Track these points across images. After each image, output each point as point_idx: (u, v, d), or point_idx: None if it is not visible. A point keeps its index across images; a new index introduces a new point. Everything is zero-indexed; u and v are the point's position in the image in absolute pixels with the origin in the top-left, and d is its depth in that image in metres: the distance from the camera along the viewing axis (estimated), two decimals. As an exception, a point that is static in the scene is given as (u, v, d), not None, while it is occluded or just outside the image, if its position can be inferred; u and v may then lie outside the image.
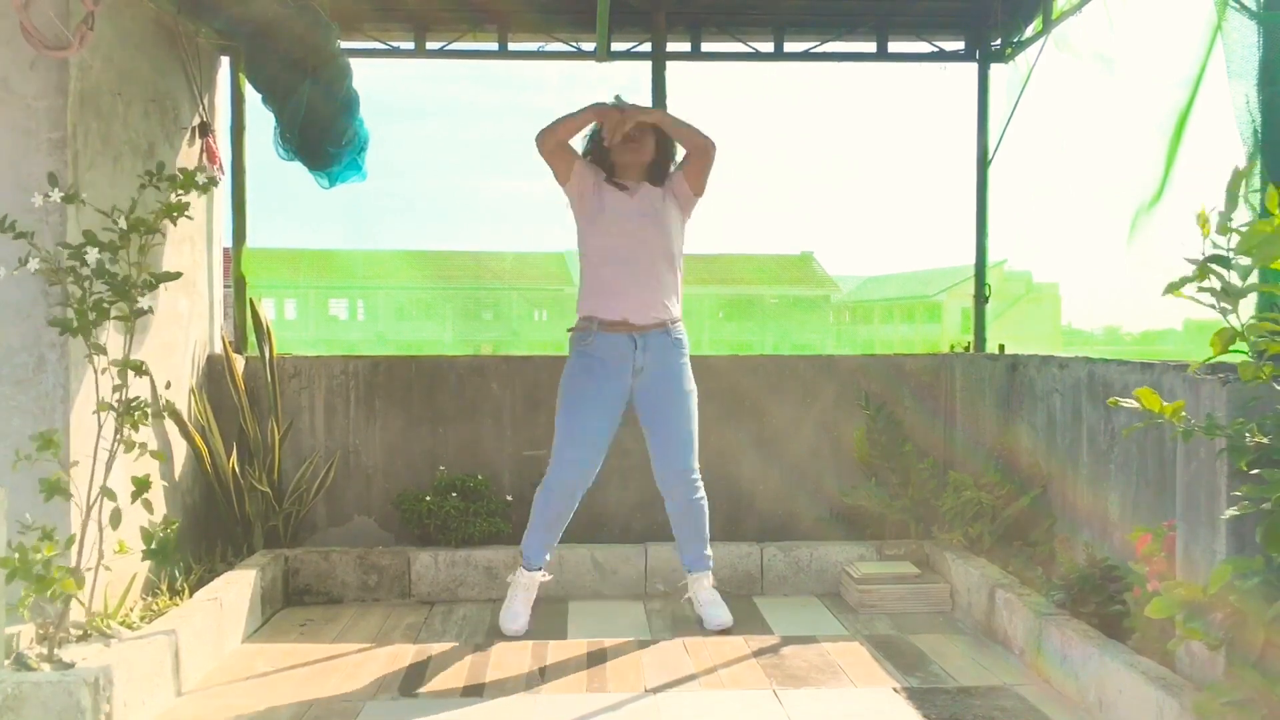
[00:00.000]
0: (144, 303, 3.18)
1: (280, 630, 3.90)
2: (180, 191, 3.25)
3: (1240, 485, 2.34)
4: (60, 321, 3.04)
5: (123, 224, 3.14)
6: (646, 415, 3.89)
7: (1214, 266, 2.28)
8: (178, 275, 3.34)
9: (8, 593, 2.69)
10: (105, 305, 3.08)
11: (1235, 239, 2.25)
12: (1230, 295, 2.28)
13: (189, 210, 3.29)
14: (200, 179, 3.30)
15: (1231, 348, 2.32)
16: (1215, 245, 2.29)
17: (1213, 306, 2.29)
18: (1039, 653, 3.21)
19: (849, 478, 4.67)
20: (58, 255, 3.10)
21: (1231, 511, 2.31)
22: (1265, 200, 2.27)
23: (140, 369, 3.18)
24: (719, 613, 3.89)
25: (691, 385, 3.91)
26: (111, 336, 3.28)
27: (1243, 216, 2.29)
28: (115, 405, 3.12)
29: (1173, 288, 2.32)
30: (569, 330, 3.91)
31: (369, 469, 4.61)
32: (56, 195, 3.03)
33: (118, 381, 3.13)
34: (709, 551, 3.98)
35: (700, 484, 3.93)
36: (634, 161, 3.86)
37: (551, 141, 3.82)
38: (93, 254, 3.05)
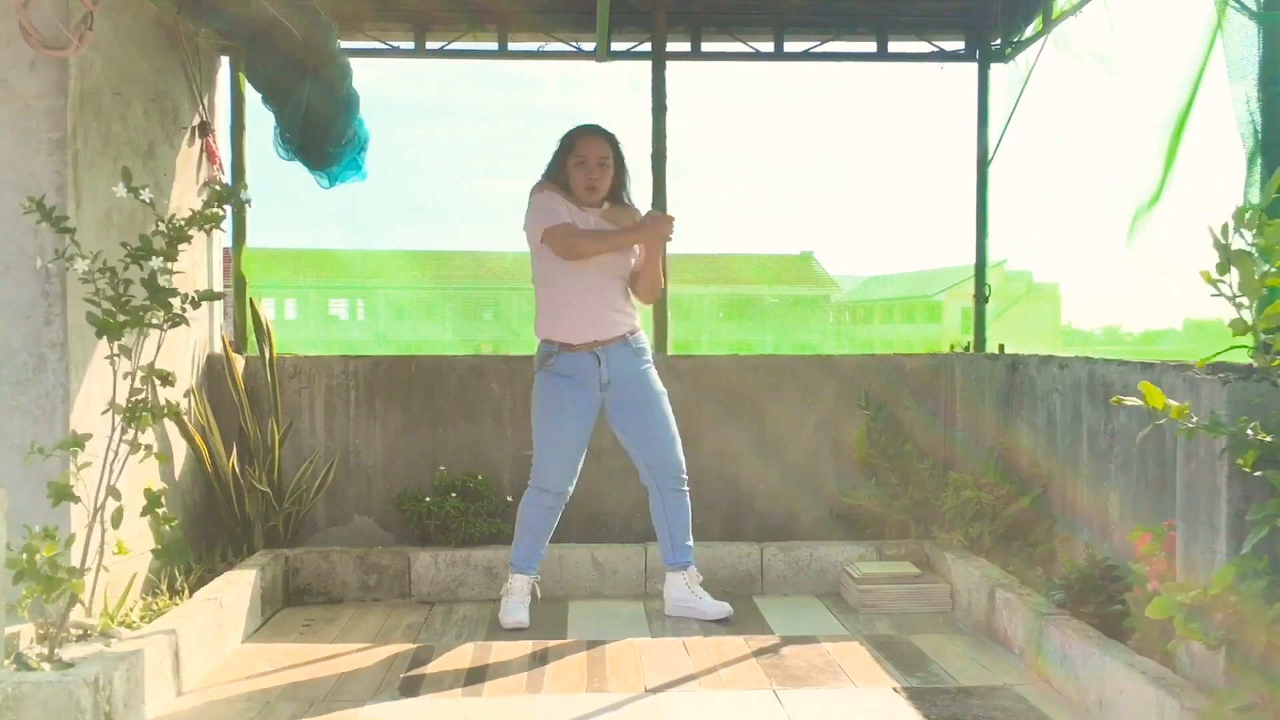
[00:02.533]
0: (191, 314, 3.17)
1: (280, 630, 3.90)
2: (215, 203, 3.24)
3: (1240, 485, 2.35)
4: (97, 321, 3.02)
5: (162, 228, 3.11)
6: (622, 421, 3.98)
7: (1235, 262, 2.29)
8: (221, 295, 3.34)
9: (9, 592, 2.69)
10: (140, 312, 3.06)
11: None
12: (1250, 287, 2.29)
13: (220, 221, 3.28)
14: (245, 196, 3.28)
15: (1234, 346, 2.33)
16: (1246, 242, 2.30)
17: (1230, 299, 2.30)
18: (1039, 653, 3.21)
19: (849, 478, 4.67)
20: (101, 255, 3.08)
21: (1250, 517, 2.30)
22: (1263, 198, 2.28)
23: (167, 378, 3.17)
24: (715, 602, 3.97)
25: (660, 387, 4.01)
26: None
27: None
28: (125, 406, 3.11)
29: (1206, 275, 2.33)
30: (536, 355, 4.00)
31: (369, 469, 4.61)
32: (121, 190, 3.03)
33: (137, 385, 3.11)
34: (690, 542, 4.04)
35: (681, 483, 4.00)
36: (598, 200, 3.95)
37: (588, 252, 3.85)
38: (156, 263, 3.04)
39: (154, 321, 3.11)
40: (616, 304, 3.93)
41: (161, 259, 3.06)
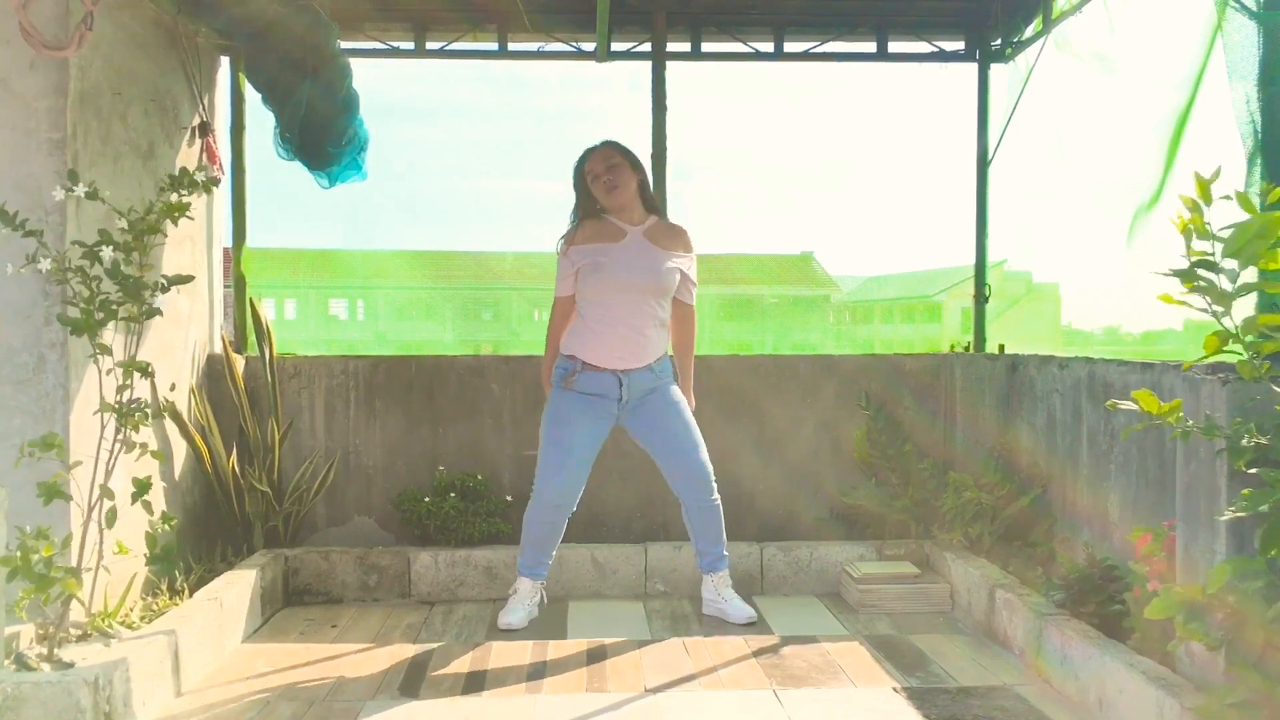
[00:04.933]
0: (157, 303, 3.17)
1: (280, 630, 3.90)
2: (182, 191, 3.25)
3: (1240, 485, 2.35)
4: (68, 320, 3.03)
5: (123, 224, 3.13)
6: (645, 434, 3.96)
7: (1202, 271, 2.29)
8: (191, 278, 3.33)
9: (8, 593, 2.69)
10: (113, 306, 3.07)
11: (1219, 244, 2.27)
12: (1221, 298, 2.29)
13: (189, 210, 3.28)
14: (200, 176, 3.29)
15: (1227, 348, 2.32)
16: (1195, 252, 2.30)
17: (1204, 310, 2.30)
18: (1039, 653, 3.21)
19: (849, 478, 4.67)
20: (68, 254, 3.09)
21: (1230, 514, 2.31)
22: (1264, 200, 2.28)
23: (146, 370, 3.18)
24: (743, 607, 3.96)
25: (679, 397, 3.99)
26: (114, 337, 3.28)
27: (1237, 218, 2.28)
28: (116, 405, 3.12)
29: (1166, 297, 2.33)
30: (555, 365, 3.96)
31: (369, 469, 4.61)
32: (80, 190, 3.03)
33: (122, 382, 3.12)
34: (726, 552, 4.05)
35: (712, 490, 3.98)
36: (624, 201, 3.90)
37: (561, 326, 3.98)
38: (107, 253, 3.04)
39: (125, 315, 3.11)
40: (648, 331, 3.87)
41: (112, 248, 3.04)
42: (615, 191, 3.88)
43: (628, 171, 3.90)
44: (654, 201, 4.04)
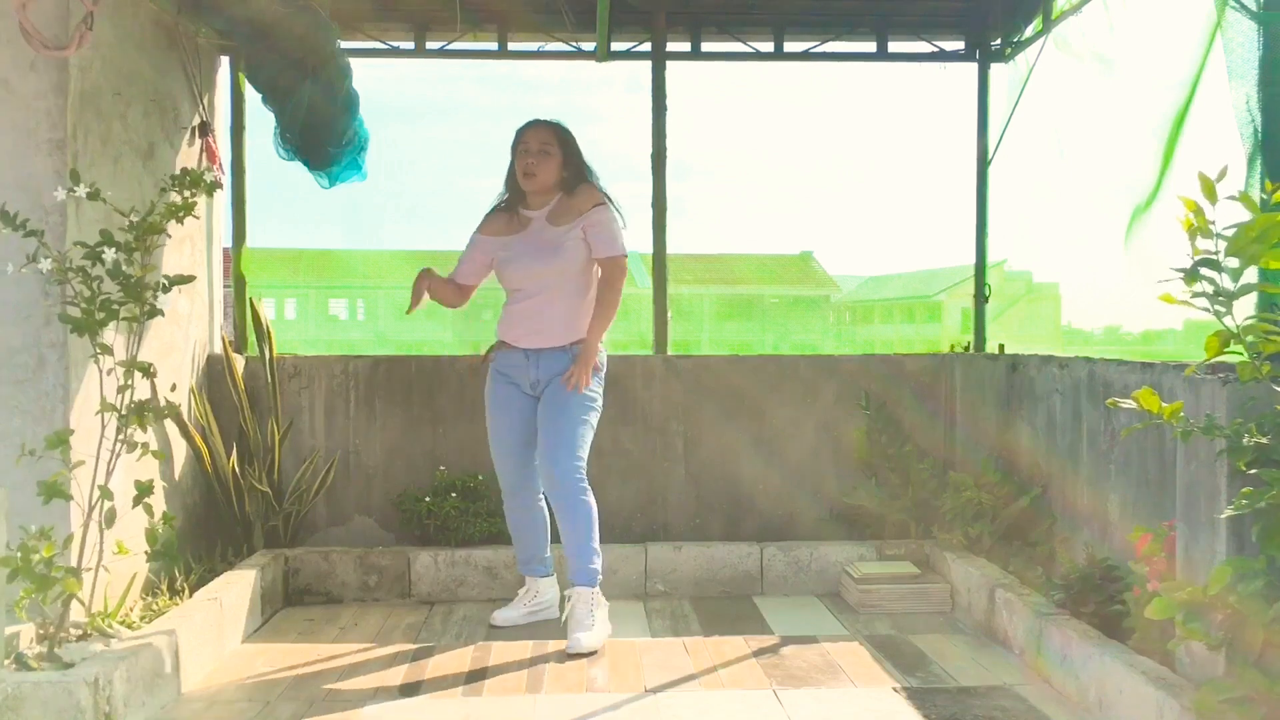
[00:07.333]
0: (160, 303, 3.17)
1: (280, 630, 3.90)
2: (188, 192, 3.24)
3: (1240, 485, 2.35)
4: (70, 319, 3.03)
5: (126, 224, 3.12)
6: (539, 419, 3.81)
7: (1204, 270, 2.29)
8: (192, 278, 3.33)
9: (8, 593, 2.69)
10: (114, 306, 3.07)
11: (1222, 243, 2.27)
12: (1223, 298, 2.29)
13: (194, 209, 3.28)
14: (208, 177, 3.28)
15: (1228, 349, 2.32)
16: (1200, 250, 2.30)
17: (1206, 310, 2.30)
18: (1039, 653, 3.21)
19: (849, 478, 4.67)
20: (69, 254, 3.09)
21: (1229, 511, 2.31)
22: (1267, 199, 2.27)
23: (147, 371, 3.17)
24: (580, 636, 3.55)
25: (588, 394, 3.77)
26: (114, 337, 3.28)
27: (1239, 217, 2.29)
28: (118, 406, 3.12)
29: (1167, 297, 2.33)
30: None
31: (369, 469, 4.60)
32: (82, 191, 3.03)
33: (122, 382, 3.12)
34: (592, 565, 3.71)
35: (569, 490, 3.69)
36: (539, 188, 3.82)
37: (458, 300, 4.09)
38: (110, 254, 3.04)
39: (126, 315, 3.11)
40: (557, 308, 3.79)
41: (116, 250, 3.04)
42: (530, 179, 3.79)
43: (553, 161, 3.79)
44: (577, 179, 3.84)
